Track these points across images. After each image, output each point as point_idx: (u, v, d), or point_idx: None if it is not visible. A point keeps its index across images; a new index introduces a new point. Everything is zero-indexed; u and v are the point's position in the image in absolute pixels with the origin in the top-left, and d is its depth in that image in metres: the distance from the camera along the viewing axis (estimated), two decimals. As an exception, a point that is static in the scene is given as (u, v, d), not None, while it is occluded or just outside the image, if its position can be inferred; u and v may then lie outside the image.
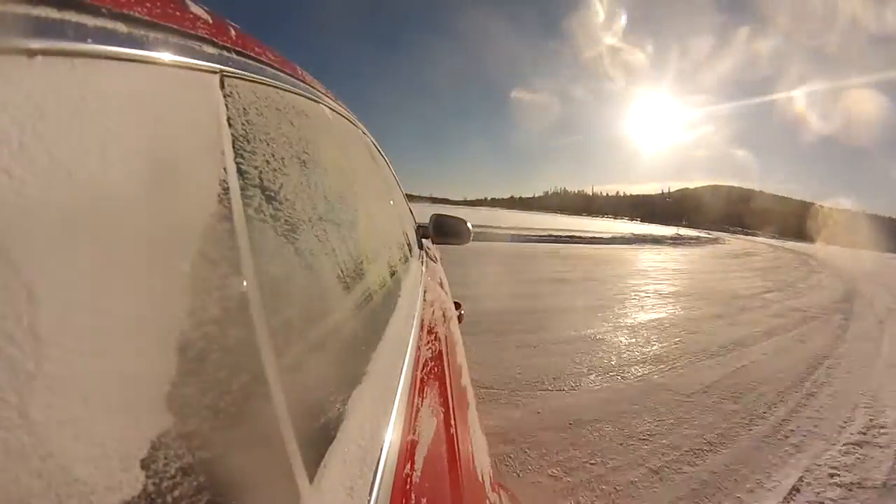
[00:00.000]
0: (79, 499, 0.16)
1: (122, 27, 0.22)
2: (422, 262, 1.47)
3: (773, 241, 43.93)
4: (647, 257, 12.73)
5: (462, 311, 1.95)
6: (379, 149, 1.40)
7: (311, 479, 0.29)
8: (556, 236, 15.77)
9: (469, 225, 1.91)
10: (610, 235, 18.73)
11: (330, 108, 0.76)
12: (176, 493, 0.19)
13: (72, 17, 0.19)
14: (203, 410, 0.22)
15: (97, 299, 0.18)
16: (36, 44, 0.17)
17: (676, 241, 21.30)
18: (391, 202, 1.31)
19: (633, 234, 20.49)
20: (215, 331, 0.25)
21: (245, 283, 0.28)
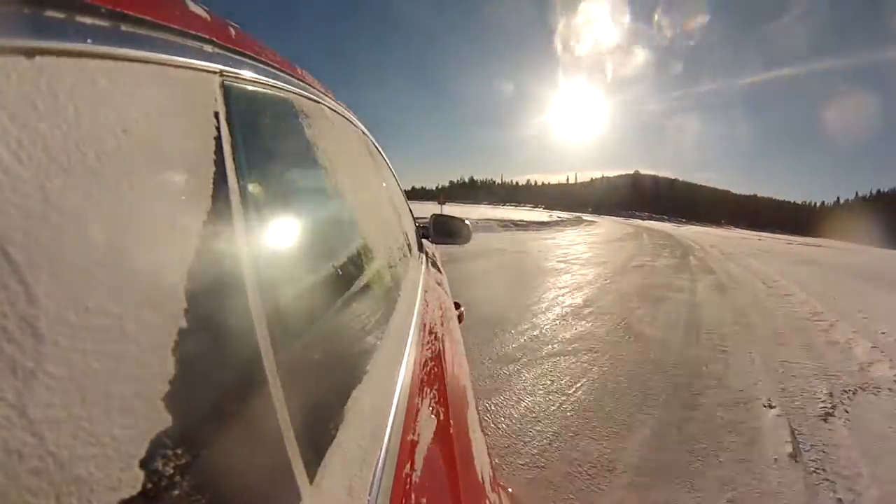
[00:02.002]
0: (78, 498, 0.16)
1: (122, 27, 0.22)
2: (422, 262, 1.47)
3: (660, 225, 38.39)
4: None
5: (462, 311, 1.95)
6: (379, 148, 1.40)
7: (311, 480, 0.29)
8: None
9: (469, 225, 1.91)
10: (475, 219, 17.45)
11: (330, 108, 0.76)
12: (176, 493, 0.19)
13: (72, 16, 0.19)
14: (203, 411, 0.22)
15: (97, 300, 0.18)
16: (36, 43, 0.17)
17: (542, 224, 19.62)
18: (391, 202, 1.31)
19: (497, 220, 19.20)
20: (215, 331, 0.25)
21: (245, 283, 0.28)
